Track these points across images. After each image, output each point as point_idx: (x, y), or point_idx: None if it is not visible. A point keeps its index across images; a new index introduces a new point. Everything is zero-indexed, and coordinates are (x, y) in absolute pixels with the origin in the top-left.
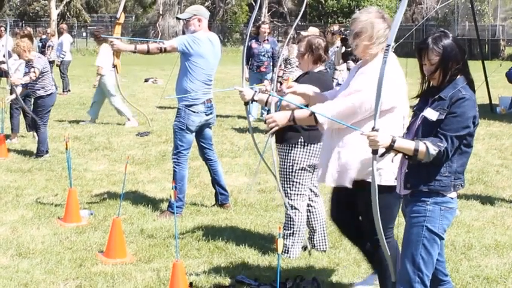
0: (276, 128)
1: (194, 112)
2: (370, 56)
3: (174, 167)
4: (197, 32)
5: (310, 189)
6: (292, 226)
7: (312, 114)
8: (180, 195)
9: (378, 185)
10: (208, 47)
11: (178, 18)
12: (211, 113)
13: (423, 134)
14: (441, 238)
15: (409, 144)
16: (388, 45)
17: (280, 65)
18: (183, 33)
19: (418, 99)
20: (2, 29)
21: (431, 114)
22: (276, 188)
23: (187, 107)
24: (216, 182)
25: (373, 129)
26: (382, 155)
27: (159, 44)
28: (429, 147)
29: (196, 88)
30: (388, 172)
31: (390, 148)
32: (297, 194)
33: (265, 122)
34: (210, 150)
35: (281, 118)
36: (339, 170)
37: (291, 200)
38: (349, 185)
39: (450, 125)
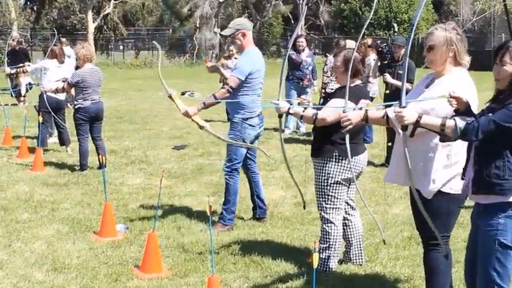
0: (350, 126)
1: (251, 126)
2: (444, 69)
3: (228, 179)
4: (245, 47)
5: (347, 203)
6: (328, 240)
7: (385, 115)
8: (232, 208)
9: (442, 192)
10: (261, 59)
11: (222, 35)
12: (262, 125)
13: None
14: None
15: (435, 121)
16: (412, 25)
17: (327, 72)
18: (220, 45)
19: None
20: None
21: None
22: (313, 202)
23: (244, 121)
24: (256, 194)
25: (400, 106)
26: (412, 134)
27: (225, 88)
28: (457, 121)
29: (252, 101)
30: (453, 181)
31: (417, 124)
32: (332, 208)
33: (312, 130)
34: (253, 162)
35: (355, 116)
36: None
37: (327, 213)
38: (427, 196)
39: (498, 113)
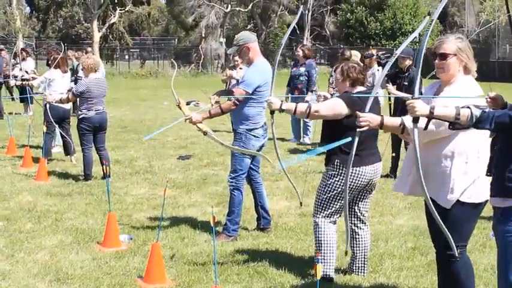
0: (366, 128)
1: (255, 136)
2: (455, 77)
3: (232, 190)
4: (253, 59)
5: (356, 215)
6: (319, 246)
7: (402, 124)
8: (236, 219)
9: (460, 201)
10: (269, 70)
11: (229, 54)
12: (266, 135)
13: None
14: None
15: (449, 111)
16: (432, 20)
17: (332, 83)
18: (225, 56)
19: None
20: (24, 53)
21: None
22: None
23: (248, 132)
24: (260, 205)
25: (413, 97)
26: (426, 126)
27: (230, 100)
28: (472, 109)
29: (257, 112)
30: (472, 189)
31: (431, 116)
32: (325, 216)
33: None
34: (257, 173)
35: (373, 120)
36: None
37: (318, 219)
38: (445, 205)
39: None
